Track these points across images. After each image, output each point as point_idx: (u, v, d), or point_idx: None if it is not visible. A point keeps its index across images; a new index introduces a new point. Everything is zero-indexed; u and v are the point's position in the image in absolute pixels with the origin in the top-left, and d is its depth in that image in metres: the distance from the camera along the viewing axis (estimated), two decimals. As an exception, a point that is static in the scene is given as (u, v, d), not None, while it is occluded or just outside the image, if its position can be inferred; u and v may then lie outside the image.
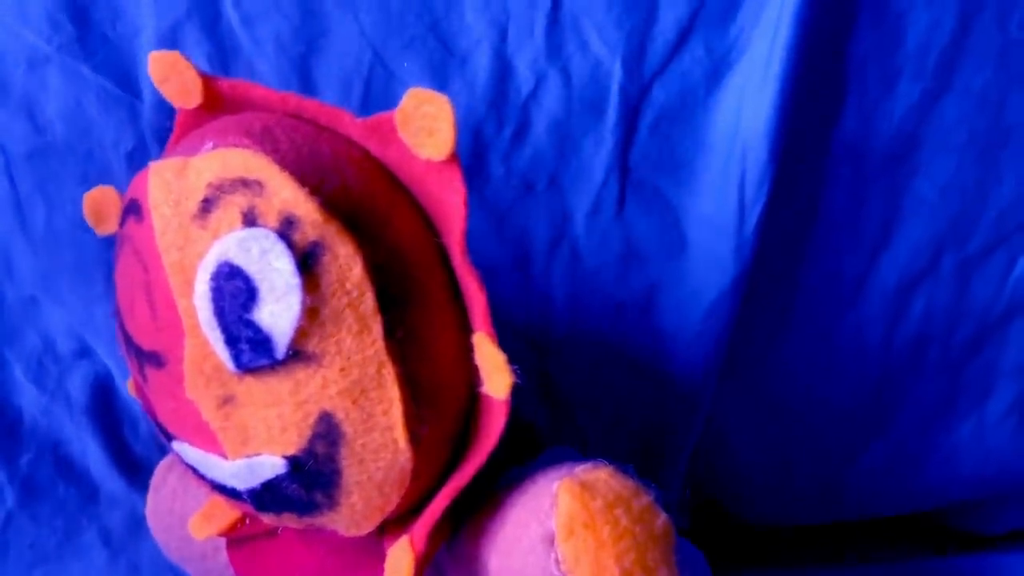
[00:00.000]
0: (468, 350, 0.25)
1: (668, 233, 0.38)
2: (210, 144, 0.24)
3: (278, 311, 0.21)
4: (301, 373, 0.22)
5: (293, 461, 0.23)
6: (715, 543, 0.34)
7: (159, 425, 0.26)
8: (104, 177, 0.35)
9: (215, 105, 0.27)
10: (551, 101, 0.36)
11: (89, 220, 0.28)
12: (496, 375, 0.23)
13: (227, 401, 0.23)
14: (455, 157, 0.23)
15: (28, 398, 0.37)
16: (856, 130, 0.38)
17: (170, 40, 0.34)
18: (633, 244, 0.38)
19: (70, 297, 0.36)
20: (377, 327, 0.22)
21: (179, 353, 0.23)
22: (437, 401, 0.24)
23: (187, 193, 0.23)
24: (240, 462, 0.24)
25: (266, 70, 0.35)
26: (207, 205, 0.22)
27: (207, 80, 0.26)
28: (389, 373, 0.23)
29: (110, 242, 0.35)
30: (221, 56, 0.35)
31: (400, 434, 0.23)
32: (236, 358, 0.22)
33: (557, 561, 0.22)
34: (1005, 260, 0.41)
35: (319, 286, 0.22)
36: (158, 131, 0.35)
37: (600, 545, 0.22)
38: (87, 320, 0.36)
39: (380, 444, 0.23)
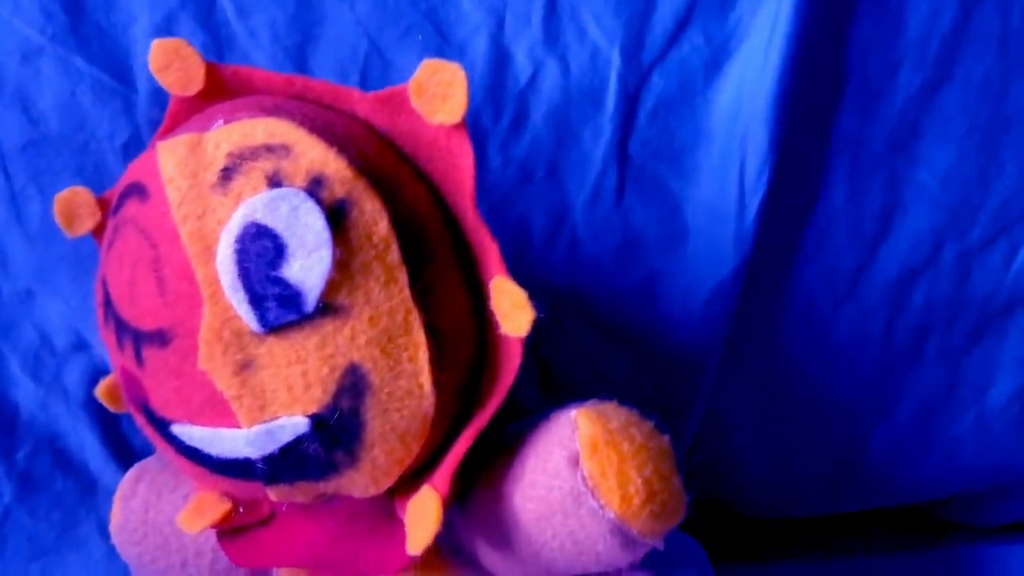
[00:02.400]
0: (473, 305, 0.26)
1: (668, 222, 0.38)
2: (220, 121, 0.24)
3: (309, 265, 0.22)
4: (329, 326, 0.23)
5: (316, 419, 0.24)
6: (715, 536, 0.34)
7: (151, 414, 0.26)
8: (99, 169, 0.35)
9: (215, 92, 0.27)
10: (549, 90, 0.36)
11: (60, 221, 0.28)
12: (517, 312, 0.25)
13: (245, 366, 0.23)
14: (464, 122, 0.25)
15: (25, 392, 0.37)
16: (856, 119, 0.38)
17: (164, 31, 0.34)
18: (632, 233, 0.38)
19: (66, 290, 0.36)
20: (403, 277, 0.24)
21: (192, 325, 0.23)
22: (453, 350, 0.25)
23: (204, 164, 0.23)
24: (257, 428, 0.24)
25: (262, 60, 0.35)
26: (227, 173, 0.23)
27: (210, 67, 0.27)
28: (415, 320, 0.24)
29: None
30: (216, 47, 0.35)
31: (426, 379, 0.24)
32: (262, 317, 0.22)
33: (584, 478, 0.24)
34: (1006, 250, 0.40)
35: (347, 240, 0.23)
36: (153, 123, 0.35)
37: (622, 459, 0.24)
38: (84, 313, 0.36)
39: (405, 391, 0.24)
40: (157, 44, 0.26)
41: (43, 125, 0.34)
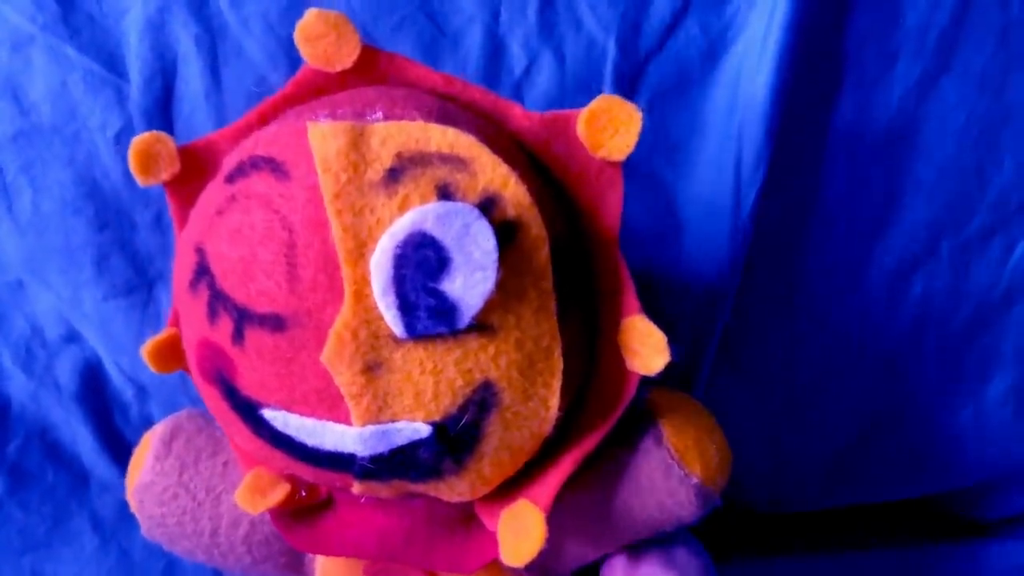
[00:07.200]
0: (586, 337, 0.26)
1: (663, 215, 0.38)
2: (379, 114, 0.24)
3: (472, 283, 0.21)
4: (475, 343, 0.23)
5: (438, 427, 0.23)
6: (714, 530, 0.33)
7: (235, 392, 0.24)
8: (91, 160, 0.35)
9: (358, 73, 0.26)
10: (544, 81, 0.36)
11: (135, 166, 0.26)
12: (651, 353, 0.25)
13: (374, 367, 0.23)
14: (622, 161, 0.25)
15: (16, 384, 0.37)
16: (854, 111, 0.38)
17: (157, 21, 0.34)
18: (627, 226, 0.37)
19: (57, 281, 0.35)
20: (552, 304, 0.24)
21: (321, 318, 0.22)
22: (571, 375, 0.25)
23: (368, 160, 0.22)
24: (372, 428, 0.23)
25: (254, 51, 0.34)
26: (394, 175, 0.22)
27: (366, 48, 0.26)
28: (557, 347, 0.24)
29: (99, 225, 0.35)
30: (209, 37, 0.34)
31: (555, 403, 0.24)
32: (409, 325, 0.22)
33: (670, 452, 0.28)
34: (1004, 244, 0.40)
35: (510, 262, 0.22)
36: (145, 113, 0.34)
37: (700, 432, 0.29)
38: (75, 305, 0.36)
39: (531, 412, 0.24)
40: (316, 13, 0.25)
41: (34, 115, 0.34)
